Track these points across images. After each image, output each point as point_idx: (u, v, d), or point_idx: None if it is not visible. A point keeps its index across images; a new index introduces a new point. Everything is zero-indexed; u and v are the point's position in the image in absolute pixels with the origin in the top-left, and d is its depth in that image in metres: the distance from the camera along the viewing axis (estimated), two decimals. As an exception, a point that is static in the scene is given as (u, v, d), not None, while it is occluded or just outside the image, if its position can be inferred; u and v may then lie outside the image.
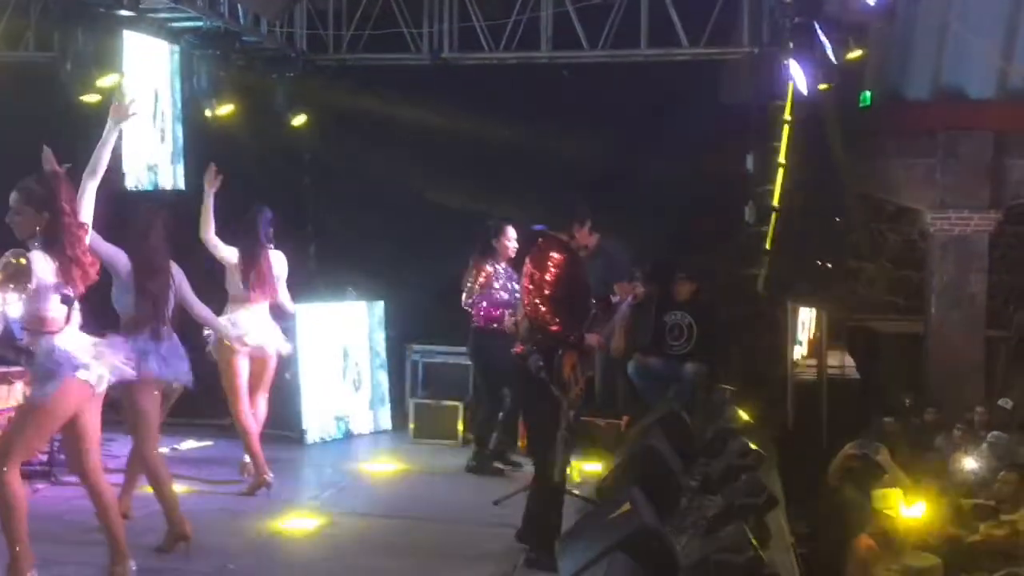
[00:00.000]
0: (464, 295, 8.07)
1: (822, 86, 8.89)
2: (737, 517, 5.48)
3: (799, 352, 10.57)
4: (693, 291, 9.34)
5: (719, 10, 9.50)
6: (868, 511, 7.86)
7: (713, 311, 9.43)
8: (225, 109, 9.25)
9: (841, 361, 10.39)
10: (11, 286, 4.15)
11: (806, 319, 10.72)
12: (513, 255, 7.99)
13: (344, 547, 6.24)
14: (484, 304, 8.01)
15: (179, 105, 9.29)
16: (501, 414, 8.21)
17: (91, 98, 7.96)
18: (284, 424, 8.69)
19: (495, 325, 7.97)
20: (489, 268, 8.03)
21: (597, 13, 9.69)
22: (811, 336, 10.85)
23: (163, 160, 9.21)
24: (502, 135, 9.38)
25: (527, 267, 5.94)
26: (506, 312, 7.94)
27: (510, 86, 9.88)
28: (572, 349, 5.81)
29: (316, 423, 9.13)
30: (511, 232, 8.01)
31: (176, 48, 9.10)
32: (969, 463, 9.46)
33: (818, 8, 9.07)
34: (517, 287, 7.83)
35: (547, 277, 5.75)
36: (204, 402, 8.75)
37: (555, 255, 5.79)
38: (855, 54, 9.18)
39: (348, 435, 9.36)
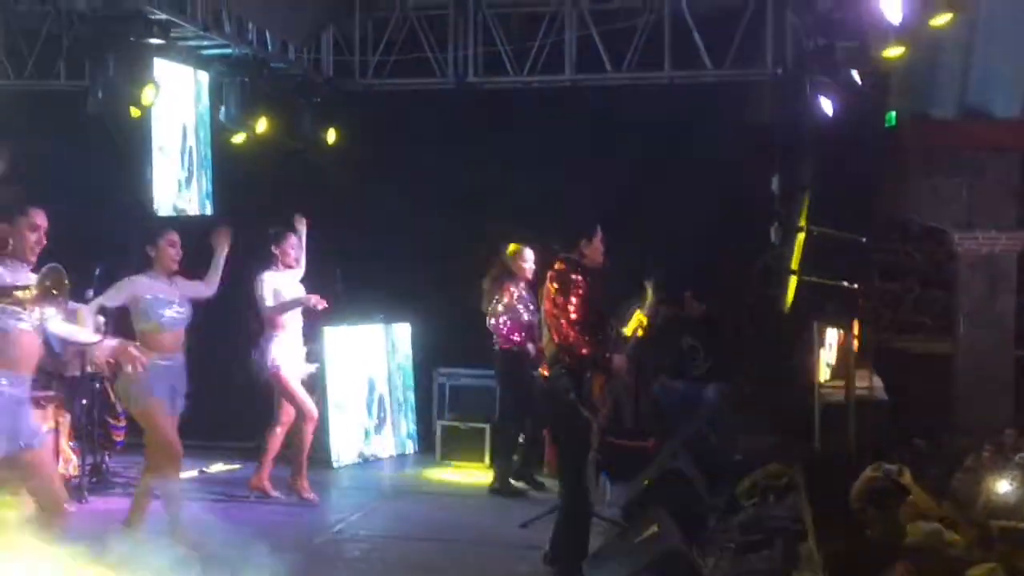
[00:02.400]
0: (489, 317, 8.12)
1: (850, 102, 8.87)
2: (767, 539, 5.48)
3: (826, 373, 10.51)
4: (702, 310, 9.35)
5: (743, 32, 9.52)
6: (893, 534, 7.78)
7: (721, 330, 9.42)
8: (260, 126, 9.35)
9: (869, 382, 10.31)
10: (51, 301, 4.21)
11: (833, 340, 10.67)
12: (531, 277, 8.08)
13: (372, 570, 6.25)
14: (508, 325, 8.07)
15: (208, 131, 9.40)
16: (522, 436, 8.25)
17: (121, 124, 8.09)
18: (311, 446, 8.73)
19: (517, 347, 8.04)
20: (513, 289, 8.09)
21: (621, 36, 9.73)
22: (838, 357, 10.79)
23: (192, 186, 9.32)
24: (527, 158, 9.44)
25: (549, 290, 5.95)
26: (525, 333, 8.01)
27: (535, 109, 9.93)
28: (600, 371, 5.83)
29: (343, 445, 9.16)
30: (528, 254, 8.11)
31: (205, 75, 9.22)
32: (999, 485, 9.34)
33: (841, 29, 9.07)
34: (533, 307, 7.90)
35: (572, 300, 5.77)
36: (232, 423, 8.88)
37: (576, 277, 5.81)
38: (880, 73, 9.16)
39: (375, 457, 9.39)
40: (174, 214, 9.00)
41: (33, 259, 4.74)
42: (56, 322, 4.47)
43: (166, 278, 6.17)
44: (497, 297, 8.11)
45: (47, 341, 4.31)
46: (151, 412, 6.02)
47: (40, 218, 4.82)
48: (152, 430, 6.05)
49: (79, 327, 4.75)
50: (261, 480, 7.80)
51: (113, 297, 5.93)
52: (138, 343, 5.73)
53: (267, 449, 7.77)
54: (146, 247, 6.18)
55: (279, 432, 7.73)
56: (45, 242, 4.82)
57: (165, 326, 6.05)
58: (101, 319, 5.64)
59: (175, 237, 6.24)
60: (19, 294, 4.03)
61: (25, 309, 4.10)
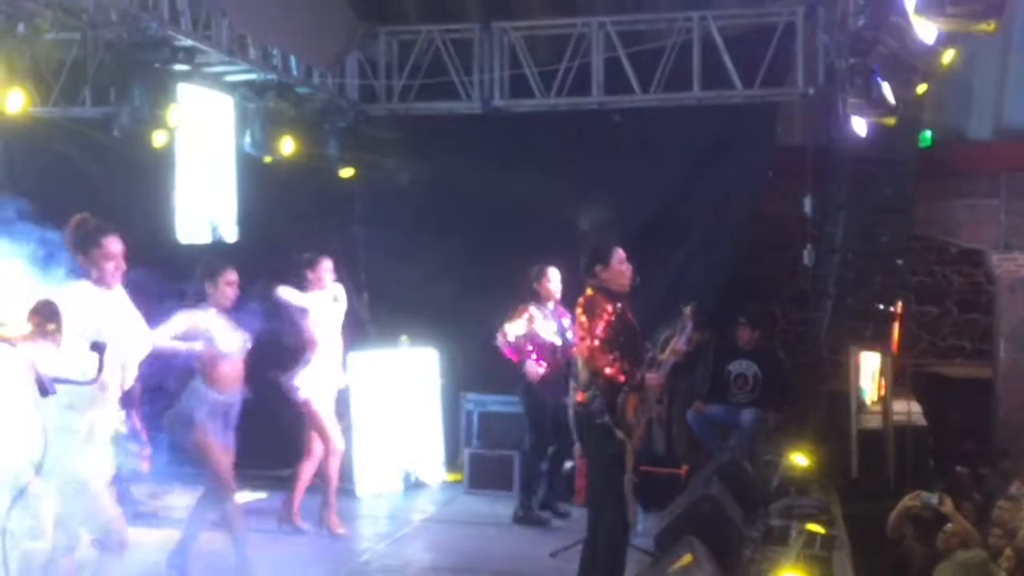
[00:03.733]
0: (499, 335, 7.98)
1: (887, 121, 8.71)
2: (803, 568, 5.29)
3: (864, 398, 10.30)
4: (756, 337, 9.18)
5: (773, 52, 9.38)
6: (933, 566, 7.55)
7: (778, 358, 9.24)
8: (287, 147, 9.30)
9: (907, 407, 10.09)
10: (45, 337, 3.92)
11: (870, 365, 10.46)
12: (558, 296, 7.95)
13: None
14: (529, 348, 7.94)
15: (233, 156, 9.35)
16: (544, 464, 8.10)
17: (147, 151, 8.06)
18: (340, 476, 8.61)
19: (541, 370, 7.91)
20: (533, 311, 7.96)
21: (649, 57, 9.62)
22: (875, 382, 10.58)
23: (217, 212, 9.26)
24: (555, 181, 9.32)
25: (578, 315, 5.89)
26: (547, 357, 7.89)
27: (562, 132, 9.83)
28: (633, 391, 5.72)
29: (369, 473, 9.04)
30: (552, 273, 7.98)
31: (231, 100, 9.18)
32: (1042, 513, 9.08)
33: (874, 48, 8.92)
34: (560, 330, 7.78)
35: (598, 324, 5.71)
36: (258, 450, 8.76)
37: (604, 303, 5.76)
38: (915, 93, 9.00)
39: (402, 485, 9.26)
40: (202, 241, 8.93)
41: (114, 283, 4.89)
42: (49, 363, 4.13)
43: (222, 313, 6.30)
44: (508, 316, 7.97)
45: (40, 382, 3.91)
46: (206, 445, 6.16)
47: (114, 244, 4.88)
48: (208, 463, 6.20)
49: (73, 367, 4.45)
50: (291, 512, 7.67)
51: (169, 332, 6.00)
52: (200, 377, 6.09)
53: (298, 480, 7.67)
54: (204, 282, 6.34)
55: (308, 463, 7.63)
56: (124, 267, 4.92)
57: (222, 361, 6.21)
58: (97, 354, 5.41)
59: (233, 276, 6.40)
60: (3, 331, 3.59)
61: (14, 346, 3.68)
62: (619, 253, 5.92)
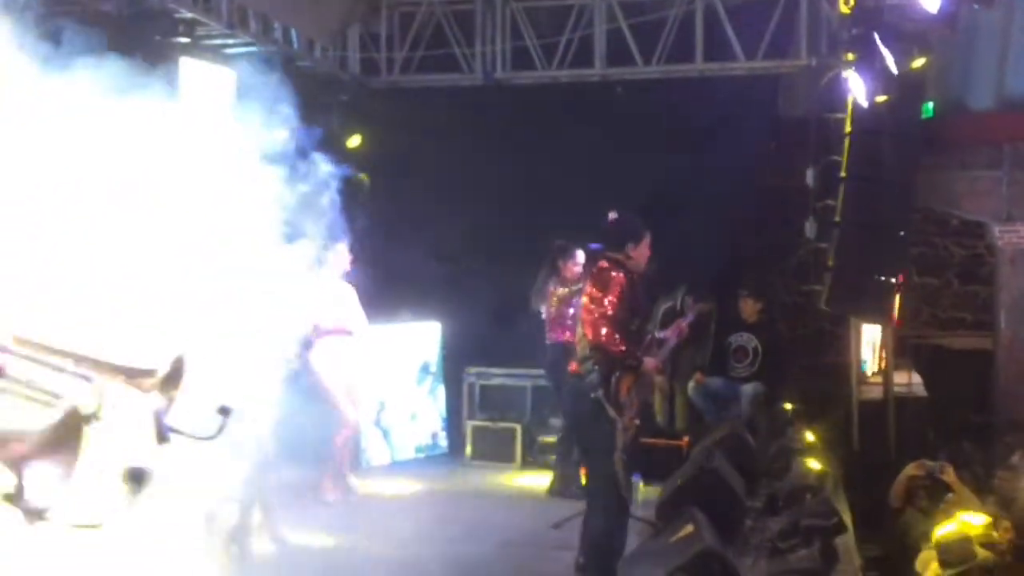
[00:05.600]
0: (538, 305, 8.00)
1: (882, 97, 8.69)
2: (805, 539, 5.32)
3: (864, 370, 10.33)
4: (759, 310, 9.18)
5: (776, 23, 9.34)
6: (933, 534, 7.60)
7: (778, 332, 9.24)
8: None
9: (908, 379, 10.13)
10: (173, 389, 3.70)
11: (871, 336, 10.48)
12: (577, 278, 7.95)
13: (402, 570, 6.16)
14: (555, 322, 7.98)
15: (236, 129, 9.33)
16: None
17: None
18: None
19: (564, 344, 7.93)
20: (561, 289, 7.99)
21: (651, 29, 9.59)
22: (876, 354, 10.61)
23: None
24: (556, 154, 9.31)
25: (588, 288, 5.85)
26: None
27: (563, 104, 9.80)
28: (630, 372, 5.69)
29: (373, 445, 9.08)
30: (580, 256, 7.94)
31: (232, 73, 9.16)
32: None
33: (877, 18, 8.88)
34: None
35: (610, 298, 5.65)
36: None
37: (617, 275, 5.70)
38: (918, 63, 8.97)
39: (405, 458, 9.30)
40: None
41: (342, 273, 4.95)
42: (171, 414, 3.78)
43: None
44: (551, 291, 7.97)
45: (159, 429, 3.59)
46: None
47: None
48: None
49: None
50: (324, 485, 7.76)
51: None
52: None
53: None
54: None
55: (339, 437, 7.70)
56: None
57: None
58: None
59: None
60: (141, 380, 3.32)
61: (145, 393, 3.35)
62: (648, 236, 5.90)
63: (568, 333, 7.92)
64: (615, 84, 9.79)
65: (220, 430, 3.89)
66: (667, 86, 9.61)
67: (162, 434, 3.31)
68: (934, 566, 6.02)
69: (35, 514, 3.13)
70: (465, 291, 9.38)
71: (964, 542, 6.03)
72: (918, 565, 6.14)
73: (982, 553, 6.14)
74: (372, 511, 7.72)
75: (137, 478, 3.07)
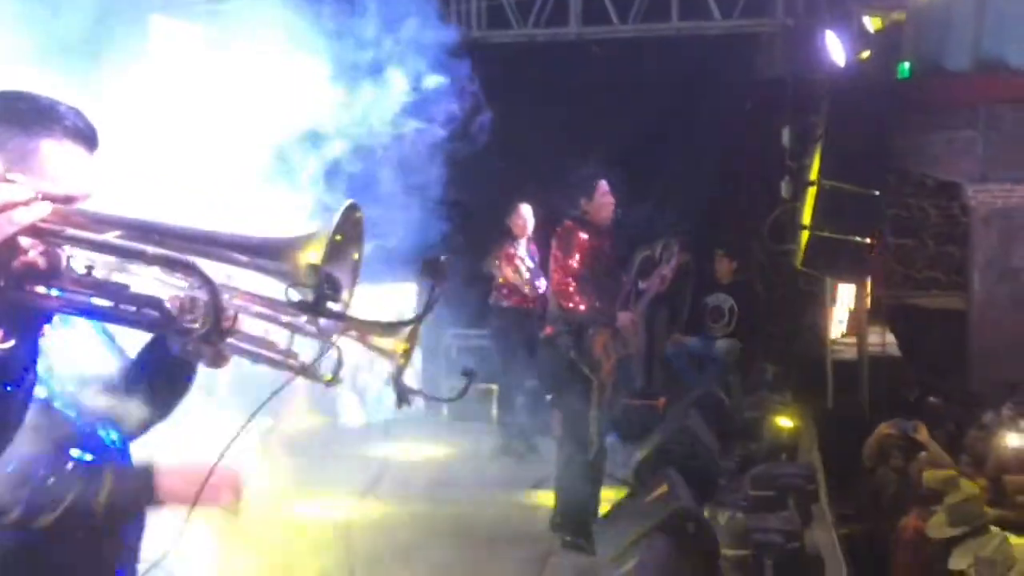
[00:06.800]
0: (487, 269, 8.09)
1: (860, 55, 8.67)
2: (780, 499, 5.37)
3: (838, 330, 10.38)
4: (734, 270, 9.19)
5: (753, -19, 9.30)
6: (907, 492, 7.68)
7: (754, 292, 9.26)
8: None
9: (882, 339, 10.19)
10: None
11: (845, 296, 10.53)
12: (529, 232, 7.98)
13: (380, 530, 6.18)
14: (507, 285, 8.03)
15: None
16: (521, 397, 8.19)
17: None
18: (319, 407, 8.65)
19: (515, 304, 8.00)
20: (511, 249, 8.03)
21: (627, -13, 9.52)
22: (850, 313, 10.66)
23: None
24: (532, 113, 9.24)
25: (553, 249, 5.87)
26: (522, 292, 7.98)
27: (539, 63, 9.73)
28: (603, 328, 5.70)
29: (349, 407, 9.07)
30: (523, 210, 8.00)
31: (205, 32, 9.03)
32: (1014, 440, 9.23)
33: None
34: (535, 266, 7.83)
35: (575, 255, 5.68)
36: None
37: (581, 235, 5.71)
38: (894, 18, 8.95)
39: (382, 418, 9.29)
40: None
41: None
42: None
43: None
44: (496, 254, 8.04)
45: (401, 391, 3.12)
46: None
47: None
48: None
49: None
50: None
51: None
52: None
53: None
54: None
55: None
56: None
57: None
58: None
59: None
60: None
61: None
62: (603, 185, 5.88)
63: (516, 293, 7.99)
64: (591, 43, 9.71)
65: (464, 391, 3.70)
66: (643, 45, 9.54)
67: (403, 395, 3.05)
68: (945, 528, 6.08)
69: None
70: (440, 254, 9.32)
71: (974, 502, 6.12)
72: (929, 529, 6.20)
73: (992, 512, 6.25)
74: (347, 471, 7.72)
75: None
